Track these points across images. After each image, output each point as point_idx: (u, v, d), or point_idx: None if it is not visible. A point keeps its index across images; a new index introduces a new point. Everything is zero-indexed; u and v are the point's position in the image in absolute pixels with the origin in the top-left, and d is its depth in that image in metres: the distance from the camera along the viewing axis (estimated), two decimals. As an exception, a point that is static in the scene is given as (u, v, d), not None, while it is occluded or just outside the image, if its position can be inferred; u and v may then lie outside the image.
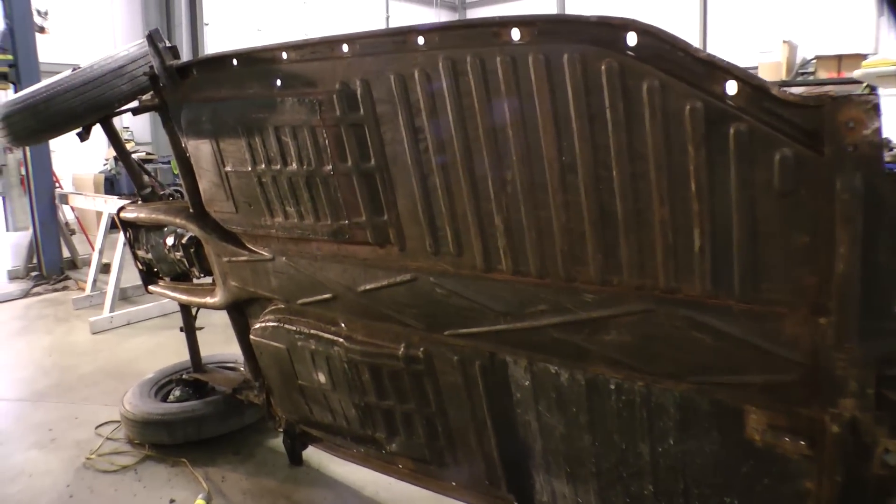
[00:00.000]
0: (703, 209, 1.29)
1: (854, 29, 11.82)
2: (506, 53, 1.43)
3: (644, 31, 1.26)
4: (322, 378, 2.35)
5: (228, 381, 3.25)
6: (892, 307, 1.17)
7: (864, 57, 11.15)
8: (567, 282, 1.55)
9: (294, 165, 1.96)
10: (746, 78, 1.19)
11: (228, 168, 2.23)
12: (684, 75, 1.24)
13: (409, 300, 1.91)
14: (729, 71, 1.20)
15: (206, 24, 12.89)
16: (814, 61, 11.73)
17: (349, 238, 1.96)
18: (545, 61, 1.38)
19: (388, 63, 1.64)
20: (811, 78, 11.73)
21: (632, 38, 1.28)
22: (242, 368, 3.44)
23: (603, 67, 1.31)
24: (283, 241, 2.23)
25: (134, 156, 9.05)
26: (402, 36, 1.60)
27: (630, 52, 1.28)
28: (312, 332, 2.29)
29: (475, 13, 17.40)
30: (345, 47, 1.72)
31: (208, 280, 2.97)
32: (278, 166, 2.01)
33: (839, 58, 11.29)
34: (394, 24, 15.42)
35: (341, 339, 2.18)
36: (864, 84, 10.80)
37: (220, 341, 4.12)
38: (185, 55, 12.26)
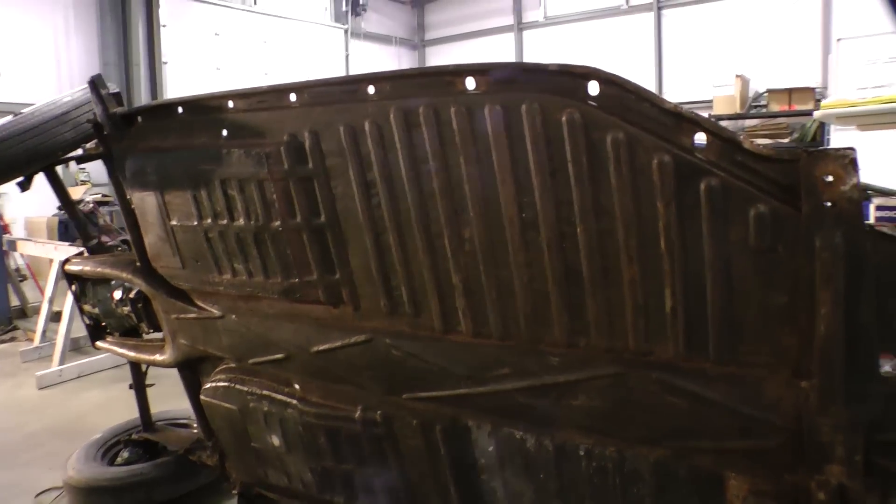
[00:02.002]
0: (675, 268, 1.23)
1: (802, 63, 12.19)
2: (460, 103, 1.36)
3: (607, 80, 1.20)
4: (276, 441, 2.22)
5: (181, 441, 3.08)
6: (879, 369, 1.12)
7: (813, 91, 11.52)
8: (531, 344, 1.47)
9: (241, 221, 1.86)
10: (716, 130, 1.13)
11: (174, 222, 2.12)
12: (651, 127, 1.18)
13: (365, 362, 1.81)
14: (697, 123, 1.14)
15: (165, 63, 12.74)
16: (766, 94, 12.05)
17: (301, 297, 1.86)
18: (502, 112, 1.31)
19: (337, 114, 1.56)
20: (764, 111, 12.05)
21: (594, 88, 1.22)
22: (196, 426, 3.27)
23: (564, 118, 1.25)
24: (233, 299, 2.11)
25: (90, 198, 8.78)
26: (353, 85, 1.52)
27: (592, 103, 1.22)
28: (265, 392, 2.17)
29: (434, 51, 17.54)
30: (293, 97, 1.63)
31: (159, 335, 2.83)
32: (225, 221, 1.91)
33: (790, 91, 11.62)
34: (353, 62, 15.67)
35: (295, 401, 2.07)
36: (813, 119, 11.12)
37: (173, 394, 3.89)
38: (144, 95, 12.11)
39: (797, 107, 11.52)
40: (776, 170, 1.11)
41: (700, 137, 1.15)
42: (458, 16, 16.94)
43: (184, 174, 1.99)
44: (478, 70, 1.33)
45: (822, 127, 11.02)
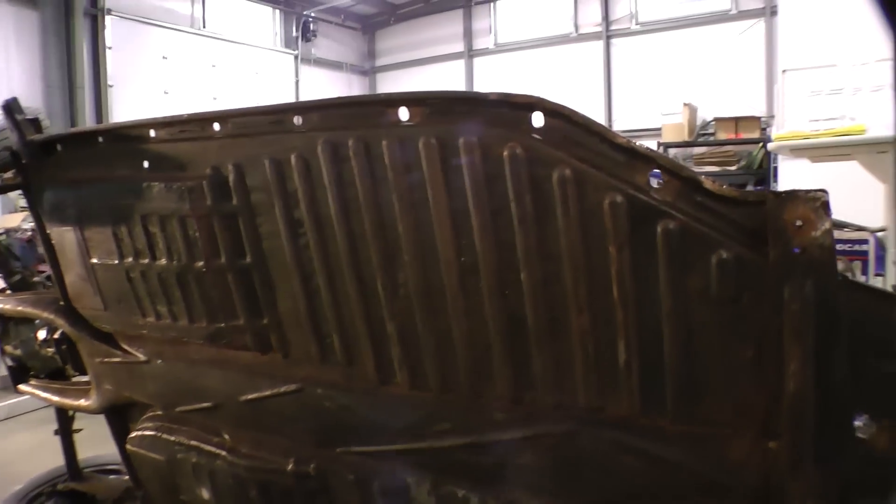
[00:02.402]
0: (629, 318, 1.13)
1: (748, 93, 12.54)
2: (393, 136, 1.25)
3: (552, 111, 1.11)
4: (206, 494, 2.06)
5: (109, 490, 2.89)
6: (853, 428, 1.03)
7: (759, 120, 11.84)
8: (473, 398, 1.35)
9: (164, 260, 1.72)
10: (673, 168, 1.04)
11: (95, 260, 1.96)
12: (601, 164, 1.09)
13: (297, 413, 1.68)
14: (653, 160, 1.05)
15: (111, 86, 12.42)
16: (713, 123, 12.33)
17: (228, 343, 1.72)
18: (438, 146, 1.21)
19: (262, 146, 1.44)
20: (712, 139, 12.32)
21: (538, 120, 1.12)
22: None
23: (505, 153, 1.15)
24: (159, 343, 1.96)
25: (28, 226, 8.38)
26: (278, 115, 1.40)
27: (537, 136, 1.12)
28: (193, 443, 2.01)
29: (385, 78, 17.52)
30: (216, 126, 1.51)
31: (87, 377, 2.64)
32: (147, 260, 1.77)
33: (736, 120, 11.91)
34: (304, 88, 15.53)
35: (225, 452, 1.92)
36: (759, 146, 11.39)
37: (106, 436, 3.69)
38: (90, 119, 11.76)
39: (744, 135, 11.81)
40: (740, 212, 1.02)
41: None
42: (409, 42, 17.01)
43: (104, 208, 1.85)
44: (412, 100, 1.23)
45: (768, 155, 11.31)
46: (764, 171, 11.51)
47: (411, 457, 1.51)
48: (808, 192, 0.98)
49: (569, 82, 14.16)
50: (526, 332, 1.23)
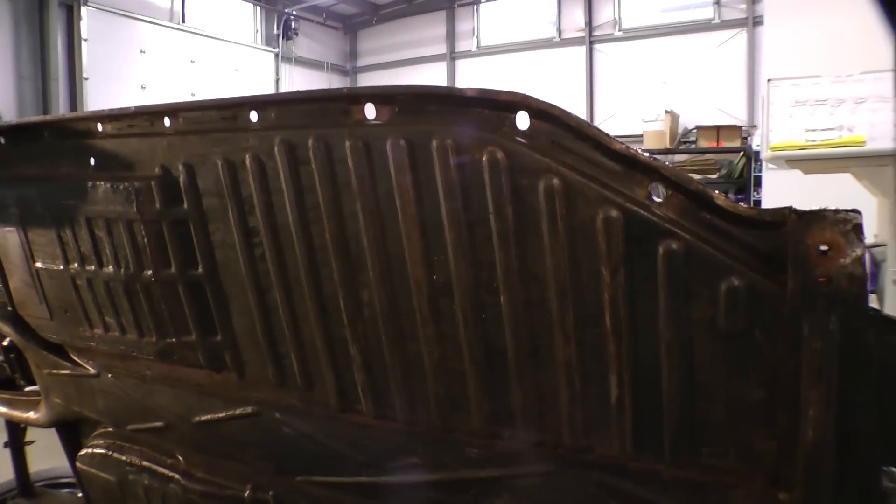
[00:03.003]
0: (623, 350, 0.99)
1: (729, 102, 12.56)
2: (357, 137, 1.11)
3: (540, 111, 0.96)
4: (159, 520, 1.91)
5: (61, 507, 2.70)
6: (880, 482, 0.91)
7: (740, 129, 11.85)
8: (445, 432, 1.22)
9: (110, 267, 1.57)
10: (680, 181, 0.91)
11: (39, 265, 1.80)
12: (595, 173, 0.95)
13: (253, 438, 1.54)
14: (656, 170, 0.92)
15: (86, 79, 12.11)
16: (695, 131, 12.33)
17: (179, 359, 1.57)
18: (408, 148, 1.07)
19: (214, 144, 1.29)
20: (693, 146, 12.32)
21: (523, 121, 0.98)
22: (80, 489, 2.89)
23: (484, 159, 1.01)
24: (109, 356, 1.81)
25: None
26: (232, 110, 1.25)
27: (521, 140, 0.98)
28: (145, 464, 1.86)
29: (366, 78, 17.30)
30: (166, 121, 1.35)
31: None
32: (93, 267, 1.61)
33: (718, 129, 11.92)
34: (283, 87, 15.29)
35: (178, 476, 1.78)
36: (740, 155, 11.39)
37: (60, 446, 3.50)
38: (64, 111, 11.43)
39: (725, 143, 11.82)
40: (756, 234, 0.89)
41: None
42: (391, 43, 16.86)
43: (48, 209, 1.69)
44: (378, 95, 1.08)
45: (748, 164, 11.31)
46: (744, 179, 11.53)
47: (376, 492, 1.38)
48: (836, 212, 0.85)
49: (551, 87, 14.11)
50: (505, 362, 1.10)
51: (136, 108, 1.41)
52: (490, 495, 1.22)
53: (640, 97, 13.37)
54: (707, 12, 13.19)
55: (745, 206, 0.90)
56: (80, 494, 2.84)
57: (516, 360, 1.09)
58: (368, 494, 1.39)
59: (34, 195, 1.74)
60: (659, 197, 0.93)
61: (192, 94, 12.92)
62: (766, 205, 7.63)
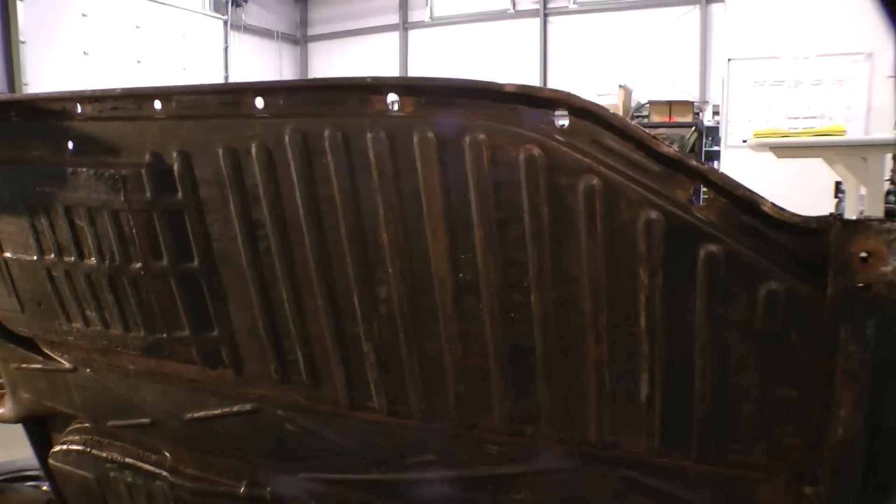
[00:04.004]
0: (656, 350, 0.98)
1: (682, 78, 12.76)
2: (379, 128, 1.05)
3: (582, 110, 0.94)
4: (143, 516, 1.84)
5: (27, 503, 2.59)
6: None
7: (692, 104, 12.06)
8: (463, 429, 1.19)
9: (93, 259, 1.48)
10: (728, 186, 0.90)
11: (8, 254, 1.69)
12: (637, 175, 0.93)
13: (251, 435, 1.48)
14: (702, 175, 0.90)
15: (23, 43, 11.47)
16: (647, 105, 12.48)
17: (169, 355, 1.50)
18: (436, 143, 1.02)
19: (215, 131, 1.21)
20: (646, 121, 12.48)
21: (563, 118, 0.95)
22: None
23: (521, 157, 0.98)
24: (88, 351, 1.71)
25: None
26: (236, 95, 1.18)
27: (560, 138, 0.96)
28: (128, 461, 1.78)
29: (317, 48, 16.93)
30: (157, 105, 1.27)
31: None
32: (72, 258, 1.52)
33: (670, 104, 12.09)
34: (233, 56, 14.86)
35: (165, 473, 1.70)
36: (692, 130, 11.61)
37: (21, 436, 3.36)
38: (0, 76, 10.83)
39: (677, 118, 12.01)
40: (797, 240, 0.90)
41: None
42: (343, 13, 16.51)
43: (17, 196, 1.57)
44: (405, 86, 1.03)
45: (700, 139, 11.54)
46: (695, 154, 11.76)
47: (386, 489, 1.34)
48: (881, 221, 0.86)
49: (505, 59, 14.08)
50: (531, 362, 1.08)
51: (122, 90, 1.31)
52: (509, 490, 1.20)
53: (594, 70, 13.45)
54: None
55: (789, 212, 0.90)
56: (45, 488, 2.74)
57: (544, 358, 1.06)
58: (377, 491, 1.36)
59: (1, 180, 1.62)
60: (704, 200, 0.91)
61: (138, 62, 12.43)
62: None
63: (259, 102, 1.15)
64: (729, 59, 5.94)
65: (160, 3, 13.41)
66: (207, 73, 14.13)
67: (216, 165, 1.23)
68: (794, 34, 6.98)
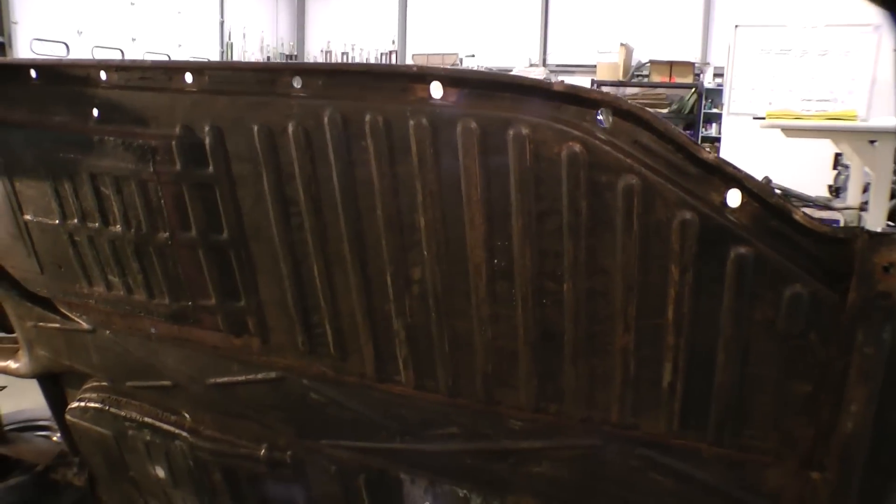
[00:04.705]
0: (680, 342, 1.03)
1: (683, 38, 12.61)
2: (421, 115, 1.07)
3: (625, 112, 0.96)
4: (160, 473, 1.90)
5: (40, 454, 2.63)
6: None
7: (693, 65, 11.95)
8: (488, 405, 1.24)
9: (118, 227, 1.49)
10: (761, 192, 0.93)
11: (29, 217, 1.70)
12: (675, 177, 0.96)
13: (275, 402, 1.52)
14: (738, 181, 0.93)
15: (15, 23, 11.15)
16: (648, 65, 12.36)
17: (194, 322, 1.53)
18: (480, 134, 1.04)
19: (250, 108, 1.22)
20: (645, 80, 12.38)
21: (605, 118, 0.98)
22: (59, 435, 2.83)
23: (563, 153, 1.00)
24: (107, 312, 1.74)
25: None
26: (272, 74, 1.19)
27: (602, 137, 0.98)
28: (147, 420, 1.83)
29: (314, 7, 16.55)
30: (189, 78, 1.27)
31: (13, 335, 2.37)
32: (96, 224, 1.53)
33: (671, 64, 11.98)
34: (227, 30, 14.39)
35: (185, 433, 1.75)
36: (692, 91, 11.53)
37: (34, 388, 3.40)
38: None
39: (677, 79, 11.91)
40: (824, 248, 0.94)
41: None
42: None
43: (40, 160, 1.58)
44: (448, 76, 1.04)
45: (699, 101, 11.47)
46: (693, 116, 11.72)
47: (408, 456, 1.40)
48: None
49: (505, 14, 13.83)
50: (560, 346, 1.12)
51: (153, 62, 1.31)
52: (529, 464, 1.26)
53: (596, 28, 13.27)
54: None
55: (818, 222, 0.94)
56: (55, 439, 2.79)
57: (573, 343, 1.11)
58: (399, 459, 1.42)
59: (21, 143, 1.62)
60: (736, 204, 0.95)
61: (133, 40, 12.10)
62: (723, 150, 7.78)
63: (297, 82, 1.16)
64: (736, 26, 5.89)
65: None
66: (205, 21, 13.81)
67: (250, 142, 1.24)
68: (804, 2, 6.91)
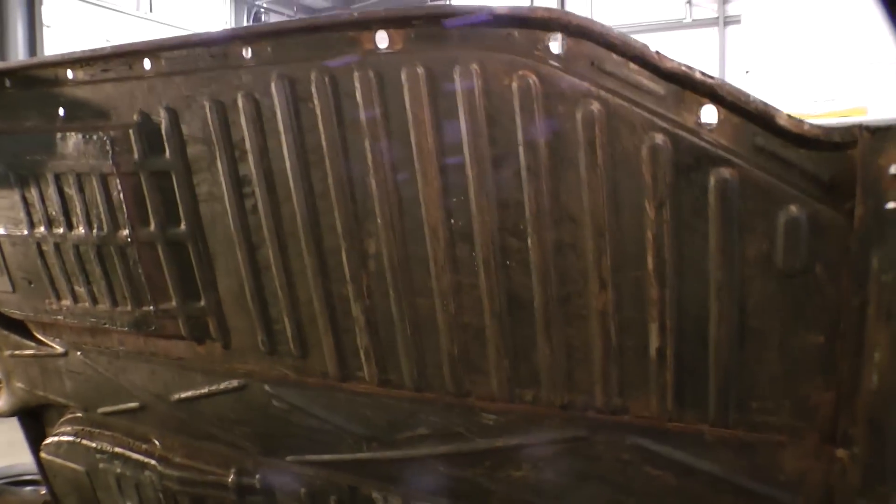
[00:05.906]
0: (666, 295, 0.90)
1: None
2: (367, 67, 1.00)
3: (578, 28, 0.86)
4: (132, 509, 1.77)
5: (23, 504, 2.53)
6: None
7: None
8: (458, 397, 1.11)
9: (81, 229, 1.43)
10: (738, 101, 0.81)
11: (0, 231, 1.65)
12: (640, 98, 0.85)
13: (239, 414, 1.42)
14: (711, 89, 0.82)
15: (47, 27, 11.63)
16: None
17: (156, 330, 1.44)
18: (427, 77, 0.96)
19: (201, 84, 1.17)
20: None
21: (557, 43, 0.88)
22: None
23: (514, 85, 0.91)
24: (78, 332, 1.67)
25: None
26: (221, 45, 1.13)
27: (556, 63, 0.88)
28: (118, 450, 1.73)
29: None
30: (146, 63, 1.22)
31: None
32: (61, 229, 1.47)
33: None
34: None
35: (154, 462, 1.65)
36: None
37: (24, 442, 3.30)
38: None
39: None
40: (821, 157, 0.80)
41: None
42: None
43: (10, 167, 1.54)
44: (392, 20, 0.97)
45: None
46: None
47: (377, 468, 1.26)
48: None
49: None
50: (531, 315, 1.00)
51: (113, 48, 1.27)
52: (507, 467, 1.11)
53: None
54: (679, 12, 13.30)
55: (808, 124, 0.81)
56: (42, 492, 2.68)
57: (544, 311, 0.98)
58: (367, 473, 1.28)
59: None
60: (710, 118, 0.83)
61: None
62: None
63: (246, 51, 1.11)
64: (746, 72, 5.85)
65: (183, 28, 13.55)
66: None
67: (203, 120, 1.18)
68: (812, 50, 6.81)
